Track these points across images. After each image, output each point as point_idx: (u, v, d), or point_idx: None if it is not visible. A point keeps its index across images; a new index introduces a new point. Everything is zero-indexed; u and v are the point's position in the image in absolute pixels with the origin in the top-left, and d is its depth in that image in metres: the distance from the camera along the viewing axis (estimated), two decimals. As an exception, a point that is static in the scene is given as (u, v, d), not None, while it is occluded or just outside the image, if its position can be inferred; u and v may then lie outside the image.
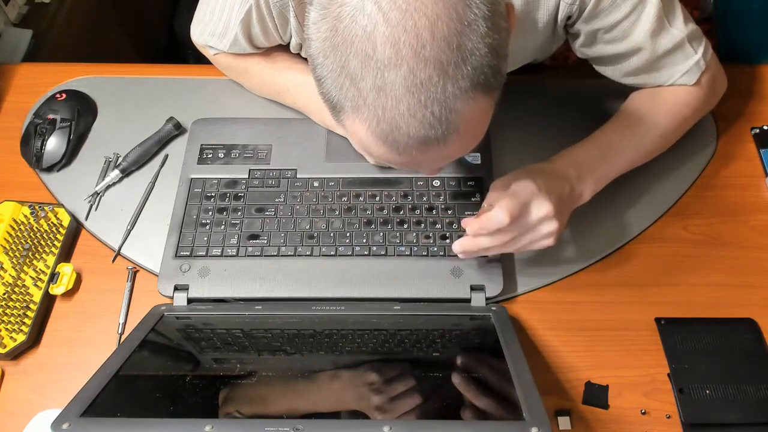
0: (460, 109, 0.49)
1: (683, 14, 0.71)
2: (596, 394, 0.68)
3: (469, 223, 0.66)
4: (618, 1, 0.66)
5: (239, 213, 0.77)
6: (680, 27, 0.70)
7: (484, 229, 0.65)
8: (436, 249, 0.74)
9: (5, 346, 0.69)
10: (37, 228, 0.77)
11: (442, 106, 0.48)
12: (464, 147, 0.54)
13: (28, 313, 0.72)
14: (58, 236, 0.77)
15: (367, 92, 0.48)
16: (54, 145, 0.83)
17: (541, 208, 0.64)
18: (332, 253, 0.74)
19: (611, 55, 0.73)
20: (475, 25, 0.47)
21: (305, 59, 0.80)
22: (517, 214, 0.63)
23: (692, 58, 0.72)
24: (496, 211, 0.63)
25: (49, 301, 0.74)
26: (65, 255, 0.77)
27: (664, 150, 0.77)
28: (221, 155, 0.82)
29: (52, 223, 0.77)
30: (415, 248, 0.74)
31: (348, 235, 0.75)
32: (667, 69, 0.73)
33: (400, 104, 0.47)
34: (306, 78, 0.80)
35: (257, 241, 0.75)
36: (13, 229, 0.76)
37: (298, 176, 0.80)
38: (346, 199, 0.78)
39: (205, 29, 0.81)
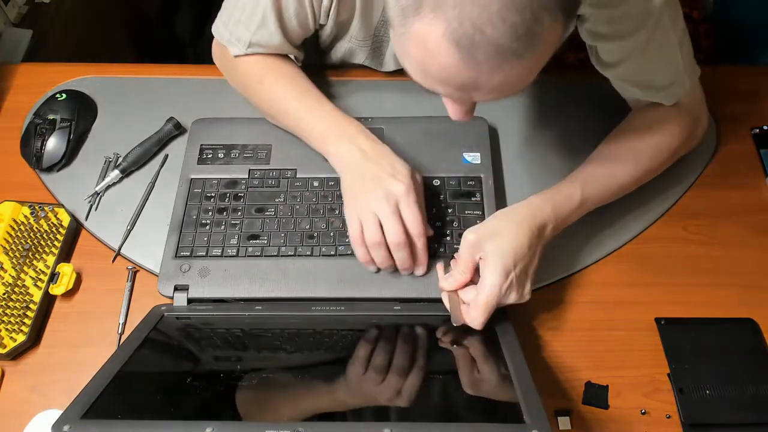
0: (546, 26, 0.48)
1: (686, 40, 0.72)
2: (596, 394, 0.68)
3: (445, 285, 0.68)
4: None
5: (239, 213, 0.77)
6: (680, 47, 0.71)
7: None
8: (436, 245, 0.74)
9: (5, 346, 0.69)
10: (37, 228, 0.77)
11: (533, 16, 0.46)
12: (527, 75, 0.52)
13: (28, 313, 0.72)
14: (58, 236, 0.77)
15: None
16: (54, 145, 0.83)
17: (511, 297, 0.65)
18: (332, 252, 0.74)
19: (608, 51, 0.72)
20: None
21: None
22: (489, 316, 0.64)
23: (679, 85, 0.74)
24: (472, 321, 0.64)
25: (49, 301, 0.74)
26: (65, 255, 0.77)
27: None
28: (221, 155, 0.82)
29: (52, 223, 0.77)
30: None
31: (348, 234, 0.75)
32: (653, 90, 0.74)
33: (492, 4, 0.46)
34: (320, 106, 0.78)
35: (257, 241, 0.75)
36: (13, 229, 0.76)
37: (298, 176, 0.80)
38: (346, 199, 0.78)
39: (231, 16, 0.78)
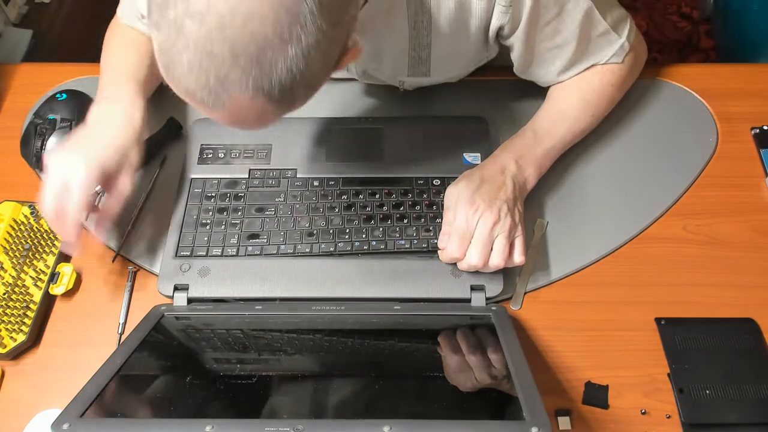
0: (234, 96, 0.49)
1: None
2: (596, 394, 0.68)
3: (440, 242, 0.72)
4: (545, 2, 0.69)
5: (239, 213, 0.77)
6: (608, 15, 0.75)
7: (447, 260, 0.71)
8: (435, 242, 0.74)
9: (5, 346, 0.69)
10: (37, 228, 0.77)
11: (218, 82, 0.49)
12: (232, 122, 0.54)
13: (28, 313, 0.72)
14: (58, 236, 0.77)
15: (168, 22, 0.47)
16: (54, 145, 0.83)
17: (495, 229, 0.68)
18: (331, 249, 0.74)
19: (544, 57, 0.76)
20: (290, 46, 0.47)
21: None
22: (464, 247, 0.68)
23: (616, 43, 0.77)
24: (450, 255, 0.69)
25: (49, 301, 0.74)
26: (65, 255, 0.77)
27: (596, 125, 0.82)
28: (221, 155, 0.82)
29: (52, 223, 0.77)
30: (415, 241, 0.74)
31: (348, 231, 0.75)
32: (594, 56, 0.78)
33: (185, 53, 0.48)
34: (130, 75, 0.78)
35: (257, 240, 0.75)
36: (13, 229, 0.76)
37: (298, 176, 0.80)
38: (346, 197, 0.78)
39: None
